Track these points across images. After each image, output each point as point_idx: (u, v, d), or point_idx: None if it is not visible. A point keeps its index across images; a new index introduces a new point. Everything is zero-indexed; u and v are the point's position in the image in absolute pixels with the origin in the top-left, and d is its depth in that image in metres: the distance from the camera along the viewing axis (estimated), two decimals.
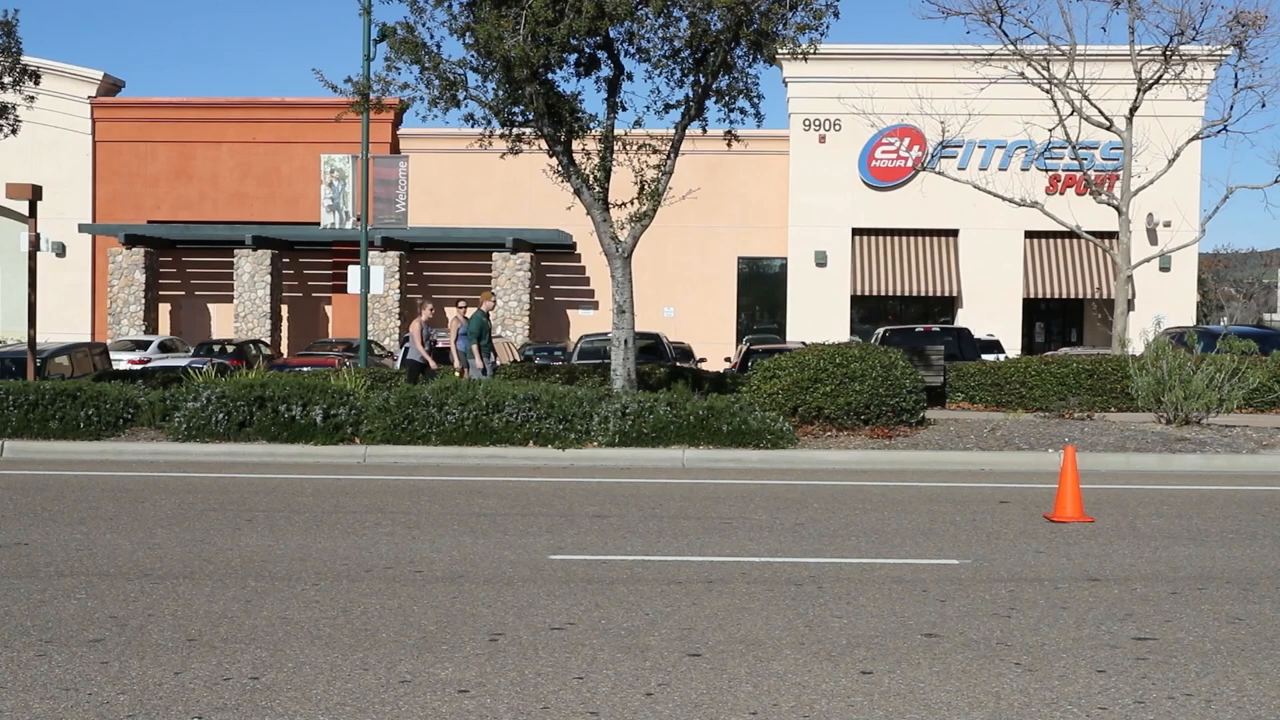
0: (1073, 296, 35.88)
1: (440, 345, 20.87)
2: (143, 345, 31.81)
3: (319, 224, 29.58)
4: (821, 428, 14.84)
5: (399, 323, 36.62)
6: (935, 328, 26.82)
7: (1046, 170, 35.29)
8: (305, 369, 22.44)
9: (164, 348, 32.09)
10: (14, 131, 20.27)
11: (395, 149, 37.24)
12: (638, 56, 16.52)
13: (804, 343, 20.33)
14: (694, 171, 29.64)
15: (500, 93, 16.25)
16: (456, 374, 18.78)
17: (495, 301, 19.27)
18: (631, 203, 16.78)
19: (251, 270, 36.73)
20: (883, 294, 36.08)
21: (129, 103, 39.52)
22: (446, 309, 19.94)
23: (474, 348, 18.43)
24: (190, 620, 6.40)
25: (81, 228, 37.42)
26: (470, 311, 19.36)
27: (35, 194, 18.07)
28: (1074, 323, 38.27)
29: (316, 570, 7.69)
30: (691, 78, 16.70)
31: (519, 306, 35.83)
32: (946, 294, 35.94)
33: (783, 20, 15.77)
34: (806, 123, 36.14)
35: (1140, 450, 13.75)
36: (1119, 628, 6.34)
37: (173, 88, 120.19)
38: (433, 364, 19.13)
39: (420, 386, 15.04)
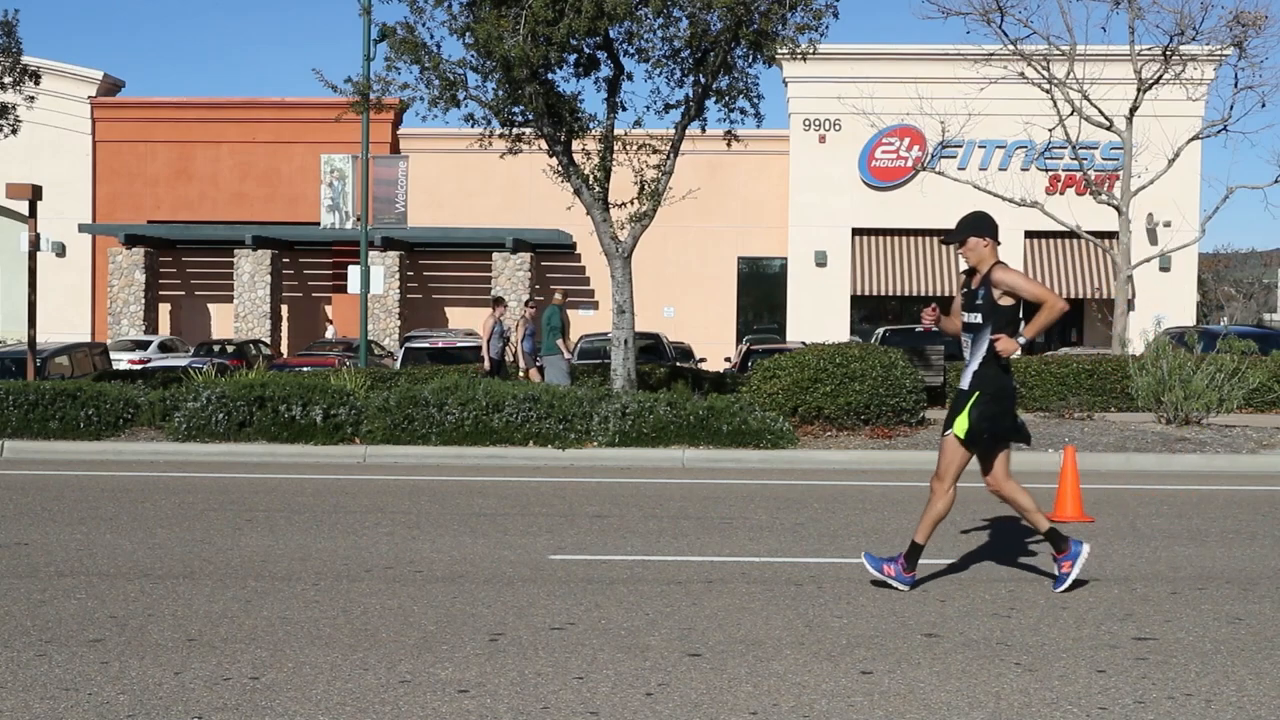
0: (1073, 296, 35.86)
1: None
2: (143, 345, 31.82)
3: (319, 224, 29.59)
4: (821, 428, 14.84)
5: (399, 323, 36.63)
6: (935, 328, 26.80)
7: (1046, 170, 35.30)
8: (305, 369, 22.45)
9: (164, 348, 32.10)
10: (14, 131, 20.28)
11: (395, 149, 37.24)
12: (637, 56, 16.53)
13: (804, 343, 20.32)
14: (694, 171, 29.66)
15: (500, 93, 16.25)
16: (522, 374, 19.07)
17: (565, 297, 19.77)
18: (631, 203, 16.78)
19: (251, 270, 36.73)
20: (883, 294, 36.09)
21: (129, 103, 39.53)
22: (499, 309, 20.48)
23: (560, 343, 18.56)
24: (190, 620, 6.40)
25: (81, 228, 37.42)
26: (532, 311, 19.84)
27: (35, 194, 18.08)
28: (1074, 323, 38.28)
29: (316, 570, 7.69)
30: (691, 78, 16.70)
31: (519, 307, 35.85)
32: (946, 294, 35.93)
33: (782, 20, 15.79)
34: (806, 123, 36.15)
35: (1140, 450, 13.75)
36: (1119, 628, 6.34)
37: (173, 88, 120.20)
38: (488, 362, 19.49)
39: (420, 386, 15.04)
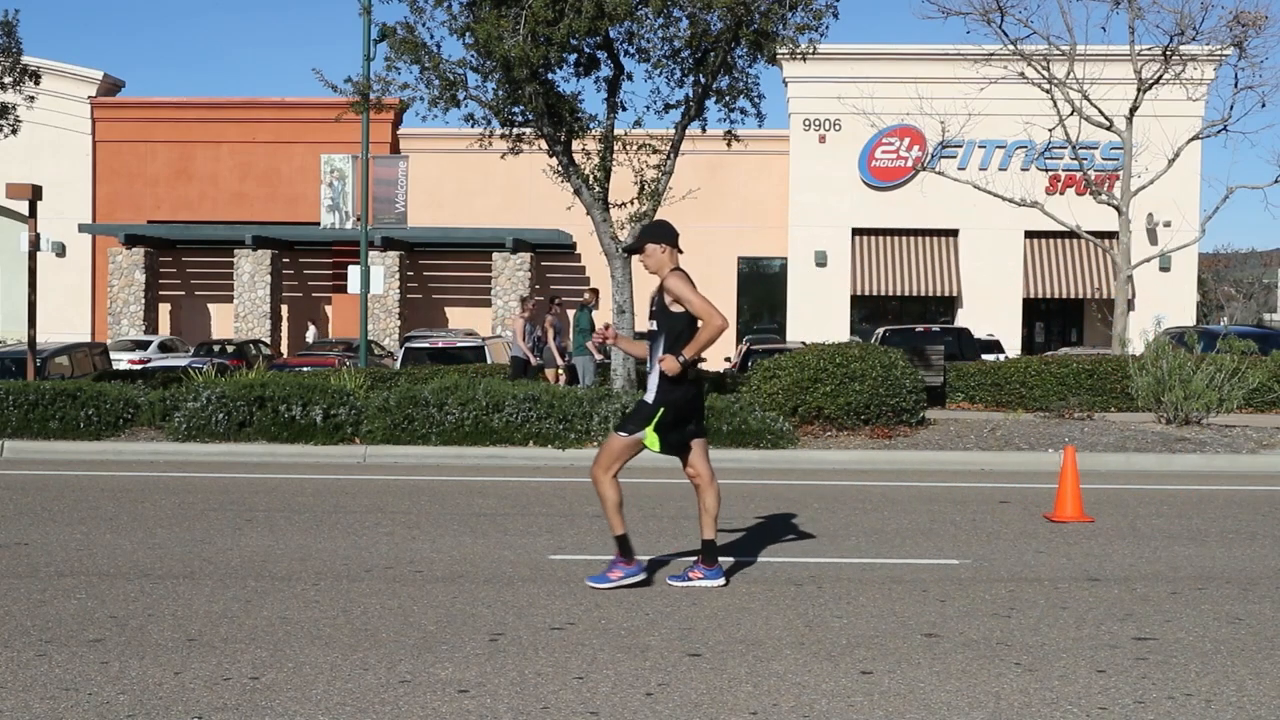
0: (1073, 296, 35.90)
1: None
2: (143, 345, 31.84)
3: (319, 224, 29.60)
4: (821, 428, 14.84)
5: (399, 323, 36.62)
6: (935, 328, 26.83)
7: (1046, 170, 35.31)
8: (305, 369, 22.45)
9: (164, 348, 32.12)
10: (14, 131, 20.28)
11: (395, 149, 37.25)
12: (638, 56, 16.55)
13: (804, 343, 20.32)
14: (694, 171, 29.66)
15: (500, 93, 16.26)
16: (561, 374, 18.98)
17: (594, 298, 19.61)
18: (631, 203, 16.79)
19: (251, 270, 36.74)
20: (883, 294, 36.10)
21: (129, 103, 39.54)
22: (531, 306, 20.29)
23: (589, 345, 18.55)
24: (190, 620, 6.40)
25: (81, 228, 37.43)
26: (569, 311, 19.81)
27: (35, 194, 18.07)
28: (1074, 323, 38.29)
29: (316, 570, 7.69)
30: (691, 78, 16.72)
31: (519, 307, 35.85)
32: (946, 294, 35.96)
33: (782, 20, 15.80)
34: (806, 123, 36.16)
35: (1140, 450, 13.75)
36: (1119, 628, 6.34)
37: (173, 88, 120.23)
38: (534, 360, 19.33)
39: (420, 386, 15.03)
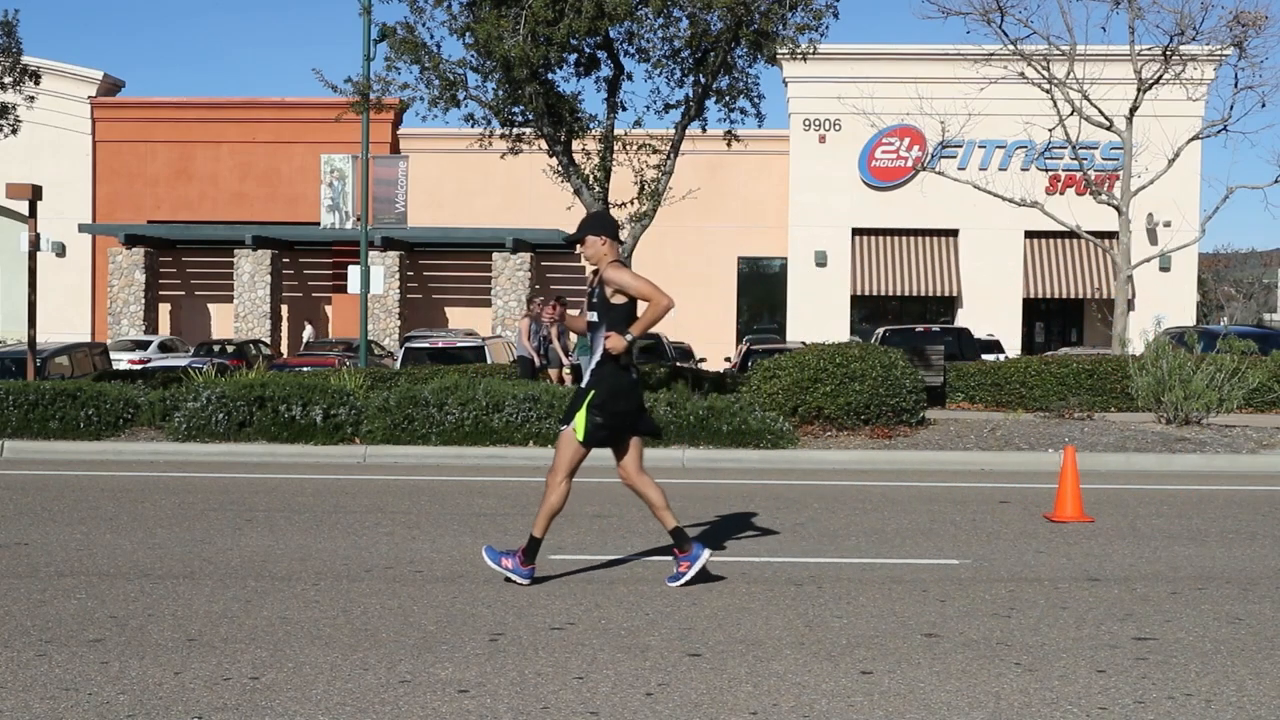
0: (1073, 296, 35.90)
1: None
2: (143, 345, 31.84)
3: (319, 224, 29.60)
4: (821, 428, 14.84)
5: (399, 323, 36.63)
6: (935, 328, 26.84)
7: (1046, 170, 35.32)
8: (305, 369, 22.45)
9: (164, 348, 32.12)
10: (14, 131, 20.28)
11: (395, 149, 37.26)
12: (638, 56, 16.54)
13: (804, 343, 20.31)
14: (694, 171, 29.67)
15: (500, 93, 16.26)
16: (567, 372, 18.92)
17: None
18: (631, 203, 16.79)
19: (251, 270, 36.75)
20: (883, 294, 36.12)
21: (129, 103, 39.56)
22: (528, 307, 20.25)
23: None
24: (190, 620, 6.40)
25: (81, 228, 37.44)
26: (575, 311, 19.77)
27: (35, 194, 18.07)
28: (1074, 323, 38.31)
29: (316, 570, 7.69)
30: (691, 78, 16.71)
31: (519, 307, 35.87)
32: (946, 294, 35.97)
33: (782, 20, 15.80)
34: (806, 123, 36.17)
35: (1140, 450, 13.74)
36: (1119, 628, 6.34)
37: (173, 88, 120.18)
38: (538, 360, 19.30)
39: (420, 386, 15.04)
